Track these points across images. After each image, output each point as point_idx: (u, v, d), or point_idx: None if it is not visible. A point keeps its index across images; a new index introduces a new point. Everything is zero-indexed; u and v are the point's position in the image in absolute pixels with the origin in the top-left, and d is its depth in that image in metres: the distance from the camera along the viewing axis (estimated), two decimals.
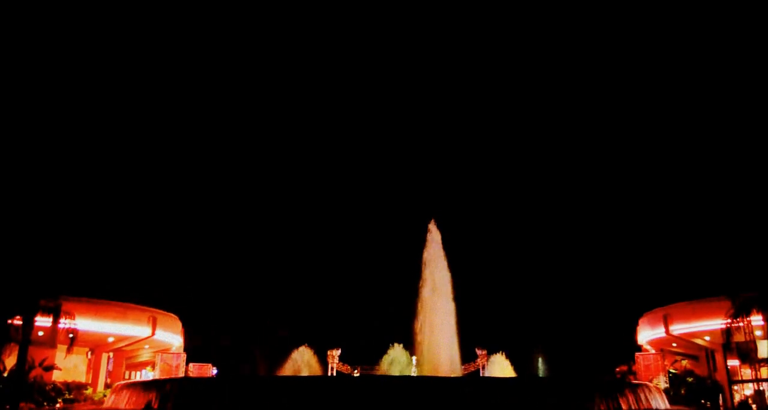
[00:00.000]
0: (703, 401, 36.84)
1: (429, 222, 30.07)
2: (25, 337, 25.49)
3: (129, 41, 78.09)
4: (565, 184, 77.30)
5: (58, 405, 30.40)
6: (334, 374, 42.69)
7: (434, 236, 29.73)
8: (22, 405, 25.51)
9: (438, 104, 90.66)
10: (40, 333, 31.02)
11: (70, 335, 28.05)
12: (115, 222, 59.70)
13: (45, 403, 31.77)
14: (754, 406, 37.63)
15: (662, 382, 38.44)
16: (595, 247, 65.74)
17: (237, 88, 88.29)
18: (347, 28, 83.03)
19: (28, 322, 25.66)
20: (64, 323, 27.27)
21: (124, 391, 15.73)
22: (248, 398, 12.96)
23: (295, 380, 16.43)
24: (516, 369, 36.13)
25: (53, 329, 28.37)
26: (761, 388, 38.42)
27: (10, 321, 25.93)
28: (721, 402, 38.18)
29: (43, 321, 27.47)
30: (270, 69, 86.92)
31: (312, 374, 30.49)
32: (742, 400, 38.55)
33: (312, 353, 30.94)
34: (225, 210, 77.61)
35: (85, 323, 32.60)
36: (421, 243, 29.52)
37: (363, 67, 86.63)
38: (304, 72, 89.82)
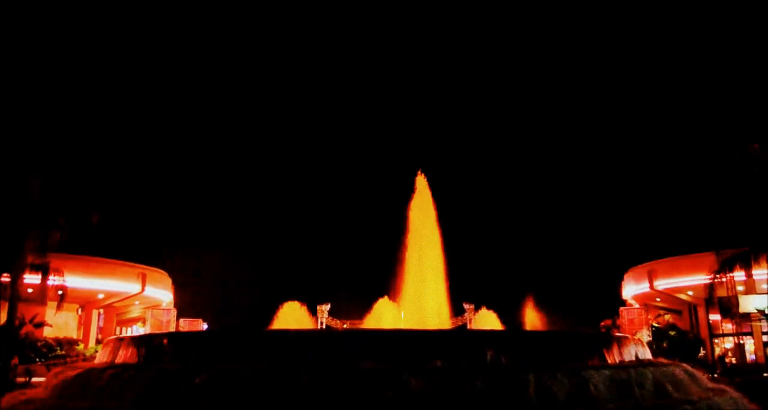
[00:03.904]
0: (698, 355, 37.83)
1: (416, 174, 29.80)
2: (14, 294, 25.45)
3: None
4: (553, 139, 77.32)
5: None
6: (324, 328, 43.25)
7: (422, 188, 29.49)
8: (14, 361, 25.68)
9: (423, 55, 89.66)
10: (30, 291, 31.02)
11: (60, 292, 28.04)
12: (102, 179, 59.25)
13: (37, 359, 32.04)
14: (733, 359, 38.70)
15: (645, 336, 39.27)
16: (582, 203, 66.23)
17: (223, 42, 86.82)
18: None
19: (16, 279, 25.60)
20: (53, 280, 27.19)
21: (116, 346, 15.84)
22: (243, 350, 13.10)
23: (289, 333, 16.62)
24: (503, 323, 36.62)
25: (42, 286, 28.34)
26: (741, 342, 39.46)
27: None
28: (702, 354, 39.19)
29: (32, 278, 27.43)
30: (259, 23, 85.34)
31: (302, 328, 30.75)
32: (721, 353, 39.62)
33: (302, 308, 31.10)
34: (212, 167, 77.22)
35: (75, 280, 32.64)
36: (407, 196, 29.39)
37: (355, 21, 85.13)
38: (293, 25, 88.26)
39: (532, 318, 43.35)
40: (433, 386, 10.73)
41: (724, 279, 26.57)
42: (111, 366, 14.15)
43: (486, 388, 10.80)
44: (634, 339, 16.52)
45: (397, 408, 10.47)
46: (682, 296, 41.38)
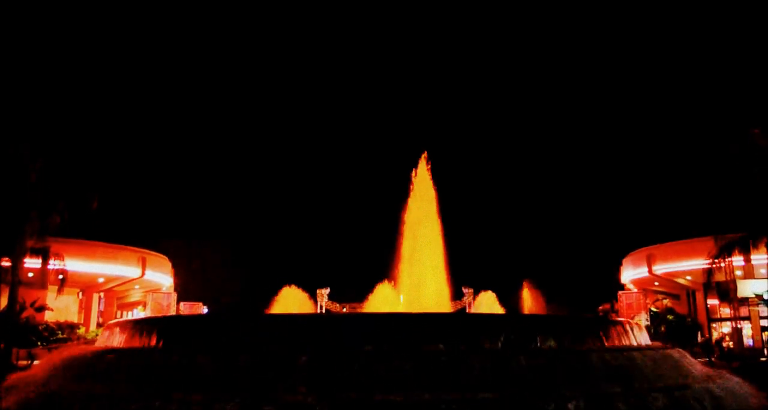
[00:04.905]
0: (697, 340, 37.98)
1: (416, 158, 29.77)
2: (15, 279, 25.55)
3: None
4: (553, 124, 77.19)
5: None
6: (323, 312, 43.44)
7: (422, 172, 29.52)
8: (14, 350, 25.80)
9: (423, 42, 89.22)
10: (30, 275, 31.10)
11: (60, 276, 28.16)
12: (102, 163, 59.19)
13: (38, 342, 32.19)
14: (731, 344, 38.92)
15: (643, 320, 39.42)
16: (581, 188, 66.26)
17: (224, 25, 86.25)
18: None
19: (17, 264, 25.69)
20: (54, 264, 27.31)
21: (116, 329, 15.92)
22: (244, 333, 13.18)
23: (290, 317, 16.74)
24: (502, 307, 36.78)
25: (43, 270, 28.43)
26: (739, 326, 39.65)
27: None
28: (699, 339, 39.40)
29: (32, 262, 27.51)
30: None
31: (302, 312, 30.91)
32: (719, 338, 39.83)
33: (301, 292, 31.23)
34: (211, 150, 77.16)
35: (75, 264, 32.72)
36: (408, 180, 29.40)
37: (355, 10, 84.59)
38: (292, 11, 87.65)
39: (531, 302, 43.52)
40: (430, 367, 10.85)
41: (722, 264, 26.65)
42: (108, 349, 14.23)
43: (482, 369, 10.92)
44: (630, 323, 16.61)
45: (394, 387, 10.56)
46: (681, 280, 41.51)
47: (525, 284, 42.62)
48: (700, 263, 31.06)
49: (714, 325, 41.30)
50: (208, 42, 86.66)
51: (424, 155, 29.80)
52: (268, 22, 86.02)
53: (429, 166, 29.72)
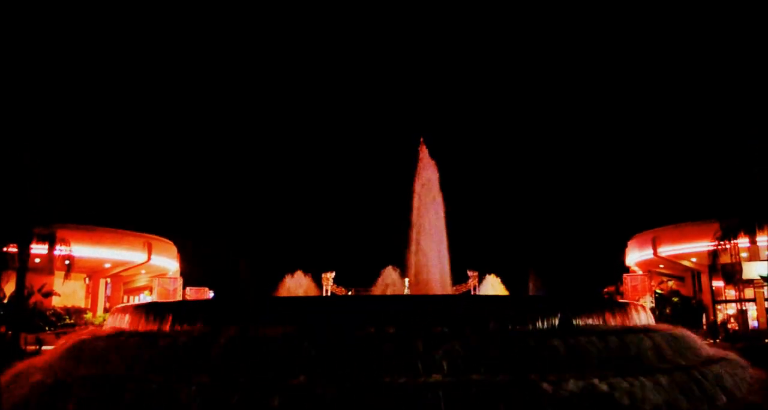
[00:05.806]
0: (702, 322, 37.99)
1: (419, 142, 29.73)
2: (22, 264, 25.73)
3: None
4: (557, 106, 76.80)
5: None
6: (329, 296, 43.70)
7: (425, 157, 29.50)
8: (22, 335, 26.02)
9: (426, 20, 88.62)
10: (37, 261, 31.31)
11: (67, 262, 28.33)
12: (107, 149, 59.23)
13: (46, 327, 32.50)
14: (735, 325, 38.98)
15: (648, 302, 39.51)
16: (586, 170, 66.04)
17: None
18: None
19: (24, 250, 25.85)
20: (60, 250, 27.51)
21: (123, 314, 16.05)
22: (253, 316, 13.27)
23: (299, 300, 16.84)
24: (507, 290, 36.94)
25: (49, 256, 28.62)
26: (744, 308, 39.69)
27: (5, 250, 26.11)
28: (704, 321, 39.47)
29: (39, 248, 27.67)
30: None
31: (308, 295, 31.11)
32: (724, 319, 39.90)
33: (306, 276, 31.45)
34: (215, 134, 77.15)
35: (81, 250, 32.87)
36: (412, 164, 29.37)
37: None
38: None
39: (536, 285, 43.73)
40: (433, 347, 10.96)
41: (727, 246, 26.66)
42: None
43: (479, 350, 11.04)
44: (635, 305, 16.67)
45: (397, 369, 10.65)
46: (686, 263, 41.51)
47: (531, 267, 42.83)
48: (705, 245, 31.09)
49: (719, 307, 41.31)
50: (212, 24, 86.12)
51: (422, 142, 29.76)
52: (268, 12, 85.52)
53: (432, 150, 29.74)
